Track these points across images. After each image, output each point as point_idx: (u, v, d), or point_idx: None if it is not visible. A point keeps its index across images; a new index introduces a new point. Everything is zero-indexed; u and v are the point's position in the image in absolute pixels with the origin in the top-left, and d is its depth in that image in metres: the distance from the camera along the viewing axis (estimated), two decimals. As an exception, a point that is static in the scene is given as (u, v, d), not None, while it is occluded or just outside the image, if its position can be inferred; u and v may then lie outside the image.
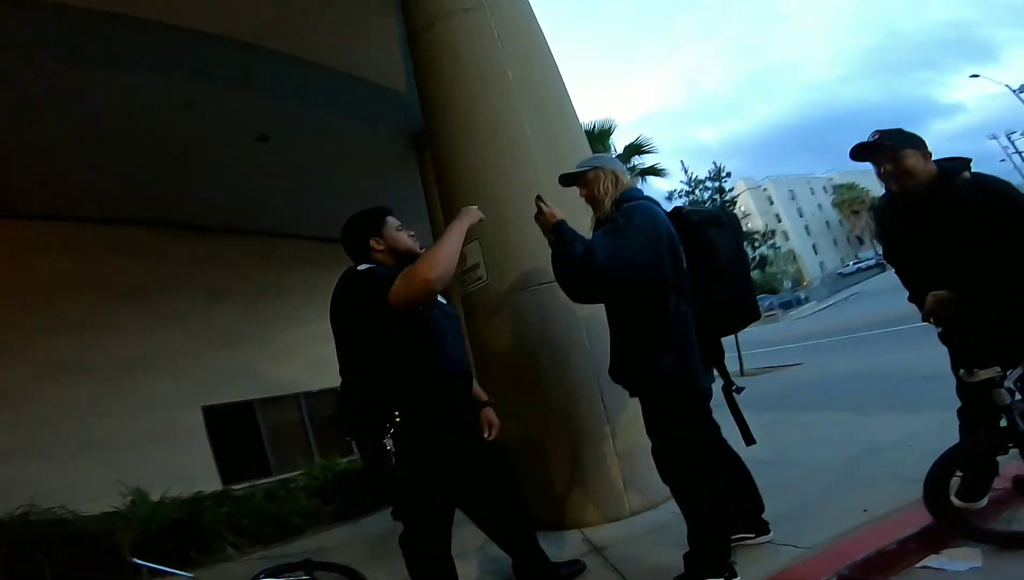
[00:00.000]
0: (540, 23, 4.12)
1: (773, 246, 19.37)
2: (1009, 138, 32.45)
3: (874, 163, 2.09)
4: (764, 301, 38.47)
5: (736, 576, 1.88)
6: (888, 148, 2.02)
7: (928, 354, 6.80)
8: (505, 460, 2.19)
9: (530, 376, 3.17)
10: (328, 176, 7.59)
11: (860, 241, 56.28)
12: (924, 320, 2.09)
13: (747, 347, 9.89)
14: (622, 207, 2.06)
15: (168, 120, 5.72)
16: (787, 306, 39.61)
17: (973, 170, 2.01)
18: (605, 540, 2.69)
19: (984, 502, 2.13)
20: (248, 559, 3.95)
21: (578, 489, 3.03)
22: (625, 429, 3.00)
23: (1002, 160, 32.37)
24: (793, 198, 65.89)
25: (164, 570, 3.54)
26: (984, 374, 1.88)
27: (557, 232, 2.01)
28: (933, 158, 2.03)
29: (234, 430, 8.21)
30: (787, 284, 51.61)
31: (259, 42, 4.96)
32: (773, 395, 6.20)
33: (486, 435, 2.13)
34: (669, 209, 2.19)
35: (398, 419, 1.79)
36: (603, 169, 2.22)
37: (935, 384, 4.78)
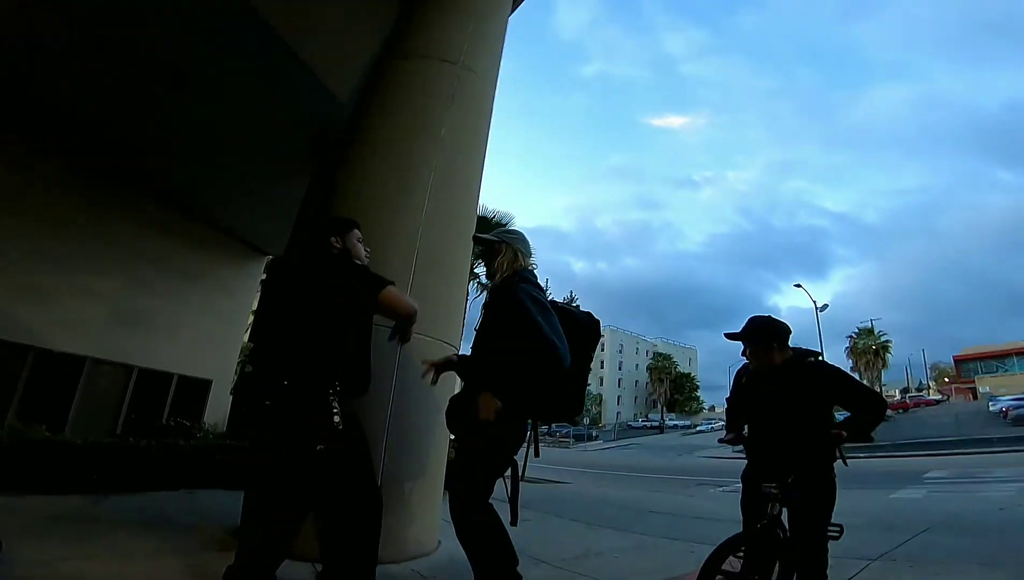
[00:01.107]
0: (496, 105, 4.51)
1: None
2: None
3: (744, 343, 2.69)
4: (563, 428, 42.49)
5: None
6: (755, 342, 2.65)
7: (657, 497, 8.05)
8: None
9: None
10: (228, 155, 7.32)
11: (655, 404, 64.01)
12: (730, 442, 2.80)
13: (535, 459, 10.72)
14: (515, 286, 2.30)
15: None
16: (580, 438, 45.09)
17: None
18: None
19: None
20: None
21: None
22: (397, 480, 2.98)
23: None
24: (620, 351, 73.90)
25: None
26: (767, 487, 2.40)
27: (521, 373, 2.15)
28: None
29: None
30: (586, 420, 56.43)
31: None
32: (536, 500, 6.86)
33: None
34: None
35: (337, 389, 2.06)
36: (508, 245, 2.51)
37: (654, 517, 5.79)
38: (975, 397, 39.14)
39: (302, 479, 2.12)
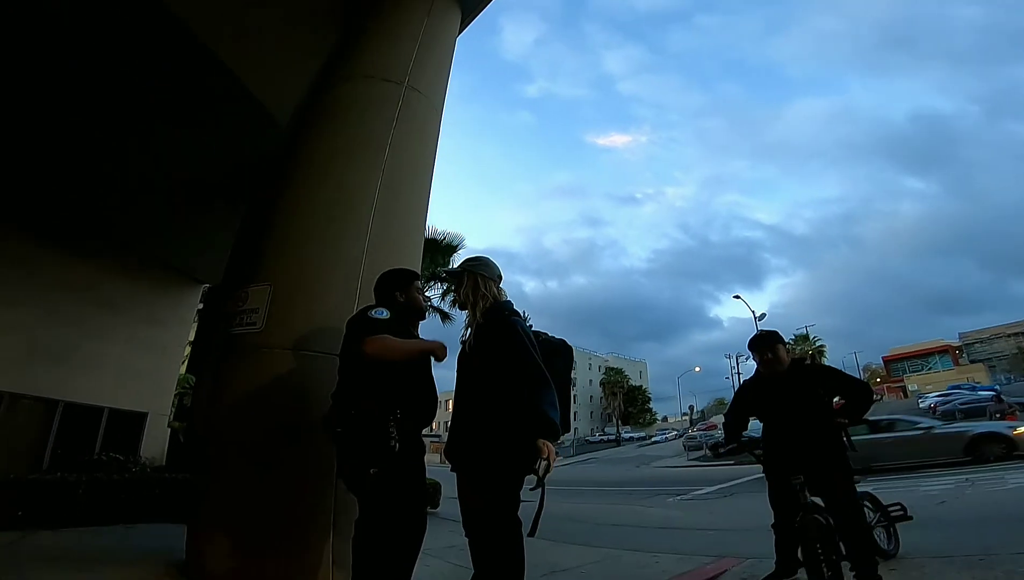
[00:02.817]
0: (444, 125, 4.46)
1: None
2: (736, 359, 41.90)
3: (758, 352, 3.24)
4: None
5: None
6: (766, 344, 3.21)
7: (618, 509, 8.09)
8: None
9: (270, 431, 2.99)
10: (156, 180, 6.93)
11: (610, 418, 64.75)
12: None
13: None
14: (508, 321, 2.40)
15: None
16: (539, 455, 43.77)
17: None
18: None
19: None
20: None
21: (282, 554, 2.84)
22: (349, 511, 2.78)
23: (726, 377, 41.41)
24: (575, 368, 74.40)
25: None
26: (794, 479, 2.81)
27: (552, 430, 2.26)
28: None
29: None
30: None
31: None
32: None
33: None
34: None
35: (398, 416, 2.29)
36: (468, 273, 2.54)
37: (617, 530, 5.79)
38: (906, 395, 41.64)
39: (360, 500, 2.34)
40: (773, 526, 3.14)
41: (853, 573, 2.72)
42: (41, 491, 4.56)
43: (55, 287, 7.98)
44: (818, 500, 2.85)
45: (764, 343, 3.24)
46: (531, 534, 2.26)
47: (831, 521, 2.72)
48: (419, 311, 2.74)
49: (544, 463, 2.18)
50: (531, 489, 2.28)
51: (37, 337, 7.72)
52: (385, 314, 2.49)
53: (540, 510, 2.19)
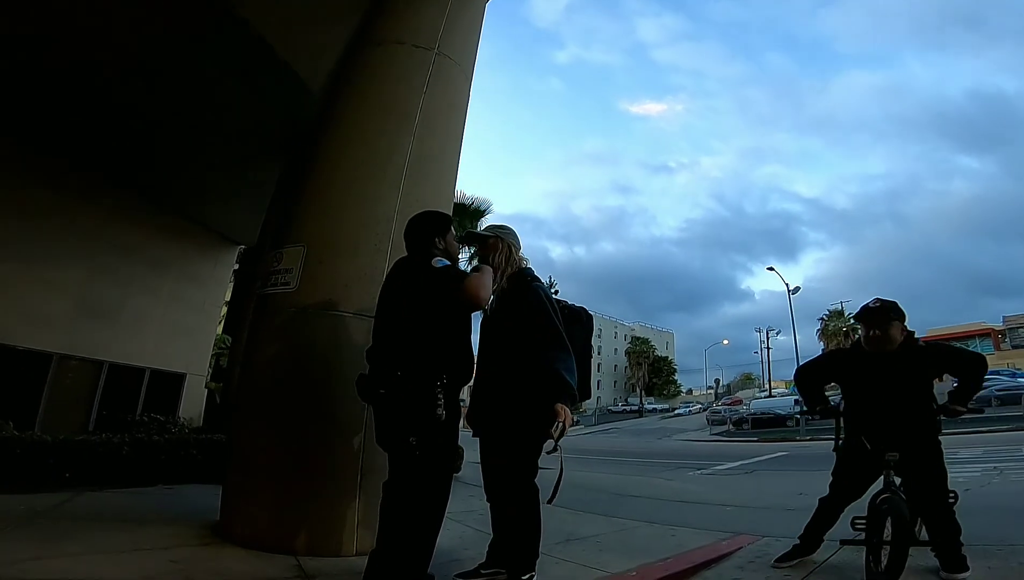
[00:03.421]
0: (474, 91, 4.44)
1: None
2: (767, 333, 41.03)
3: (865, 326, 2.90)
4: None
5: None
6: (884, 319, 2.86)
7: (639, 480, 8.19)
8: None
9: (301, 391, 3.10)
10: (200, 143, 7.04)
11: (634, 388, 64.94)
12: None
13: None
14: (531, 286, 2.49)
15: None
16: (561, 422, 44.36)
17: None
18: (317, 570, 2.67)
19: None
20: None
21: (311, 515, 2.97)
22: (376, 472, 2.87)
23: (755, 352, 40.72)
24: (599, 336, 74.54)
25: None
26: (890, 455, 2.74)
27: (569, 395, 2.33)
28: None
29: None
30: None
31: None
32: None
33: None
34: None
35: (445, 381, 2.24)
36: (502, 240, 2.62)
37: (636, 501, 5.88)
38: (940, 378, 40.17)
39: (393, 464, 2.32)
40: (822, 500, 3.09)
41: (934, 553, 2.71)
42: (88, 452, 4.67)
43: (99, 244, 8.18)
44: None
45: (873, 318, 2.89)
46: (550, 501, 2.30)
47: (910, 504, 2.66)
48: (455, 259, 2.63)
49: (560, 425, 2.22)
50: (548, 452, 2.33)
51: (83, 296, 8.01)
52: (446, 263, 2.41)
53: (560, 477, 2.24)
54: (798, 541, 3.10)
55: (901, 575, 2.40)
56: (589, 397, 2.86)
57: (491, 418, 2.48)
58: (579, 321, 2.71)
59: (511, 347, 2.45)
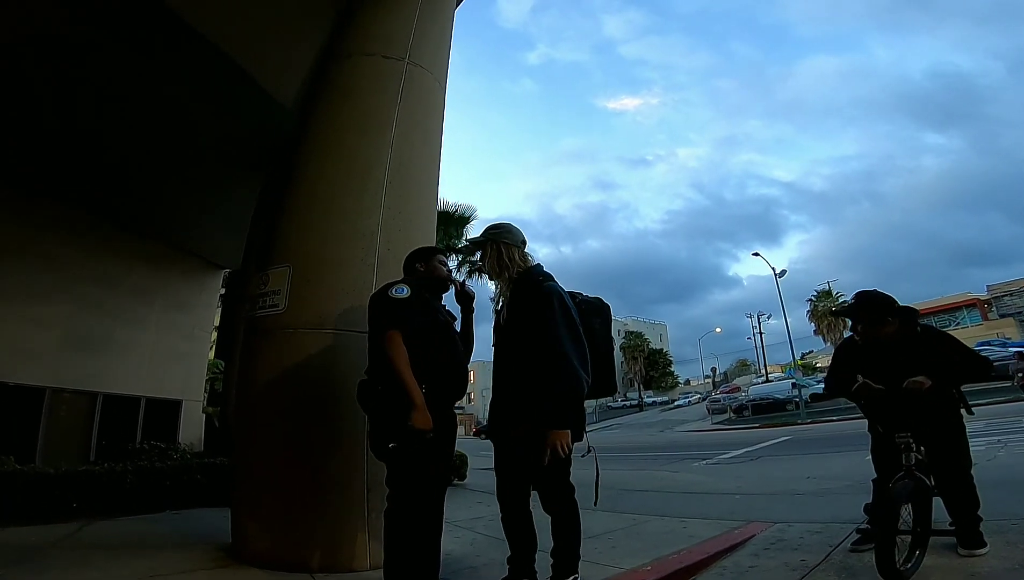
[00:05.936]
0: (449, 98, 4.44)
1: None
2: (758, 318, 41.19)
3: (853, 323, 2.94)
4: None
5: None
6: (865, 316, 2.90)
7: (644, 475, 8.17)
8: None
9: (299, 412, 3.09)
10: (173, 165, 6.94)
11: (632, 383, 64.99)
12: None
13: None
14: (544, 285, 2.39)
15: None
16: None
17: None
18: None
19: None
20: None
21: (320, 532, 2.96)
22: (382, 486, 2.78)
23: (748, 338, 40.82)
24: (598, 330, 74.44)
25: None
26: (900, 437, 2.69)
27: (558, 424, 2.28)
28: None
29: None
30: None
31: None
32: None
33: None
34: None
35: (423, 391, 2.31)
36: (491, 243, 2.53)
37: (643, 495, 5.84)
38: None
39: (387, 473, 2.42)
40: (874, 480, 3.02)
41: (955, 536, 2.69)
42: (92, 482, 4.70)
43: (83, 279, 8.11)
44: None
45: (859, 314, 2.94)
46: (595, 503, 2.43)
47: (932, 485, 2.62)
48: (440, 281, 2.79)
49: (548, 455, 2.22)
50: (582, 456, 2.42)
51: (71, 329, 7.90)
52: (405, 292, 2.47)
53: (597, 479, 2.38)
54: (867, 526, 3.01)
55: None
56: (614, 392, 2.81)
57: (511, 429, 2.42)
58: (599, 313, 2.61)
59: (525, 354, 2.36)
